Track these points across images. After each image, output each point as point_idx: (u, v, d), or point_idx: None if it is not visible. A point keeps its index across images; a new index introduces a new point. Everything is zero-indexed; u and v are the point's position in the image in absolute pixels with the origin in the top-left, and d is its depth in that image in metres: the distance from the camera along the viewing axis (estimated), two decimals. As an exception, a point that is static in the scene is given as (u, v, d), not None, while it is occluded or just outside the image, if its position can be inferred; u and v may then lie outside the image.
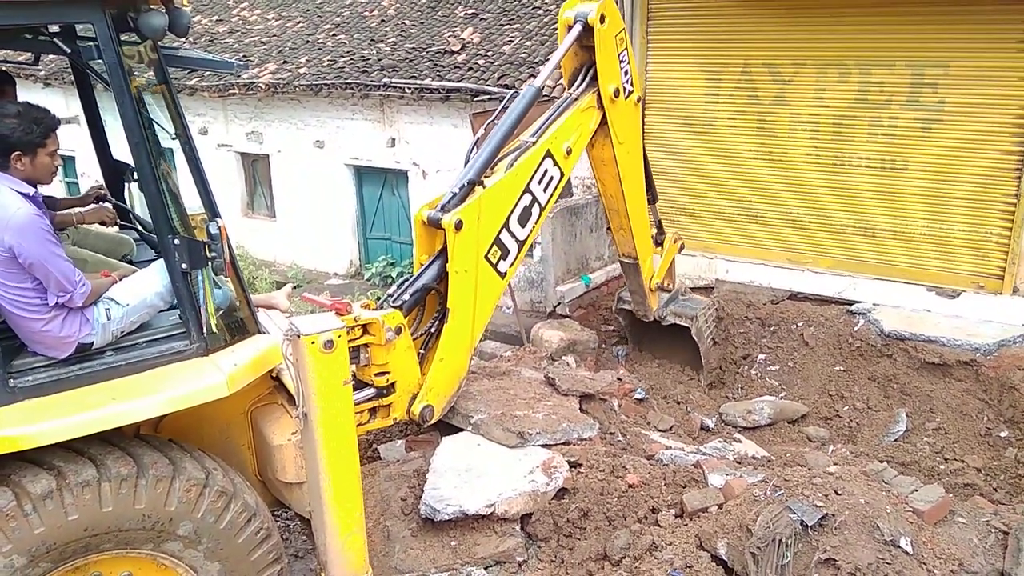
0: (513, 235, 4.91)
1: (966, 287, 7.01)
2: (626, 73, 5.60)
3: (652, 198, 6.58)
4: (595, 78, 5.40)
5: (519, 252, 4.98)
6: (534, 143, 5.02)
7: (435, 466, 4.71)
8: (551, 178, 5.12)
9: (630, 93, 5.68)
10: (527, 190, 4.96)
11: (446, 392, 4.76)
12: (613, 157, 5.71)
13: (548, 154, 5.06)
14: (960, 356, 6.43)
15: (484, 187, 4.69)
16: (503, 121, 4.98)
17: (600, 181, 6.04)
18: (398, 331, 4.27)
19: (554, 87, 8.29)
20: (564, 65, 5.43)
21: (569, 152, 5.22)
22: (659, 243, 6.81)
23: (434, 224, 4.52)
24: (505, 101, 5.16)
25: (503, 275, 4.90)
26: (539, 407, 5.24)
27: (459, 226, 4.48)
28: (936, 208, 7.04)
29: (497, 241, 4.82)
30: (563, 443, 4.98)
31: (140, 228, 4.73)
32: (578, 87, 5.42)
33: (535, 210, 5.03)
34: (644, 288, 6.62)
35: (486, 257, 4.75)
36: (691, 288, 8.49)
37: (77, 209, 4.52)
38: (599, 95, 5.42)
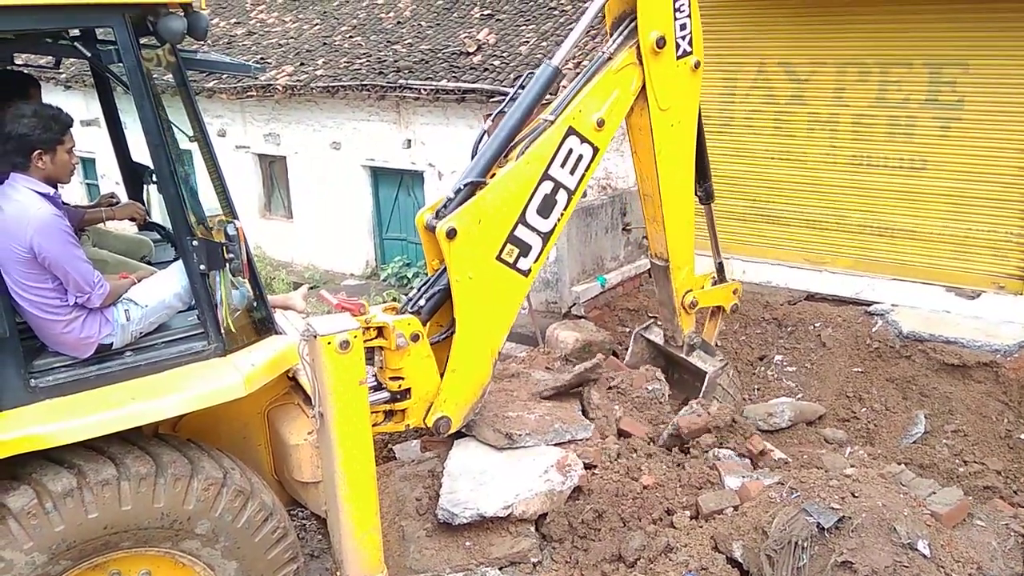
0: (534, 229, 4.43)
1: (986, 288, 6.94)
2: (683, 27, 4.74)
3: (706, 195, 5.65)
4: (637, 28, 4.60)
5: (544, 246, 4.49)
6: (552, 122, 4.40)
7: (449, 469, 4.70)
8: (579, 157, 4.48)
9: (686, 54, 4.79)
10: (546, 177, 4.40)
11: (464, 402, 4.48)
12: (650, 126, 4.86)
13: (571, 132, 4.44)
14: (980, 357, 6.36)
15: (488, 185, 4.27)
16: (514, 109, 4.42)
17: (635, 155, 5.16)
18: (414, 338, 4.08)
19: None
20: (609, 7, 4.70)
21: (601, 124, 4.49)
22: (715, 282, 5.99)
23: (431, 231, 4.22)
24: (517, 87, 4.55)
25: (526, 272, 4.45)
26: (536, 408, 5.15)
27: (452, 234, 4.11)
28: (955, 208, 6.98)
29: (512, 239, 4.37)
30: (555, 444, 4.87)
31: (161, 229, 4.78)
32: (614, 41, 4.63)
33: (561, 197, 4.47)
34: (674, 302, 5.58)
35: (499, 258, 4.36)
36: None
37: (108, 207, 4.57)
38: (639, 48, 4.60)
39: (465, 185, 4.28)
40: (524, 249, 4.43)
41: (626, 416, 5.40)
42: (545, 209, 4.45)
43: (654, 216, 5.28)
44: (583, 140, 4.48)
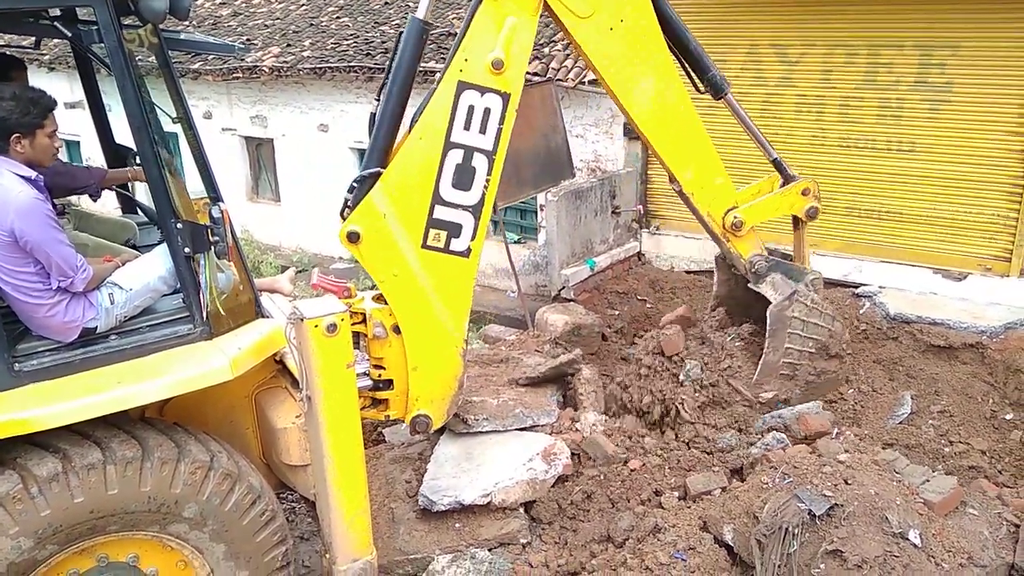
0: (457, 205, 3.90)
1: (973, 269, 6.98)
2: None
3: (715, 88, 4.61)
4: None
5: (477, 220, 3.97)
6: (437, 83, 3.85)
7: (436, 455, 4.71)
8: (486, 112, 3.83)
9: None
10: (451, 145, 3.82)
11: (439, 398, 4.21)
12: (574, 40, 4.10)
13: (464, 86, 3.79)
14: (966, 339, 6.39)
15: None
16: (391, 82, 3.83)
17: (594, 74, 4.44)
18: (396, 330, 3.95)
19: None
20: None
21: (500, 65, 3.76)
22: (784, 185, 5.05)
23: None
24: (390, 56, 3.95)
25: (465, 253, 3.99)
26: (506, 393, 5.12)
27: (353, 238, 3.82)
28: (943, 190, 7.00)
29: (433, 223, 3.89)
30: (515, 429, 4.85)
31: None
32: None
33: (479, 162, 3.88)
34: (710, 227, 4.84)
35: (426, 246, 3.92)
36: (691, 272, 8.39)
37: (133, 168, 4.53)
38: None
39: (359, 180, 3.88)
40: (453, 230, 3.94)
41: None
42: (463, 181, 3.89)
43: (642, 139, 4.57)
44: (484, 91, 3.81)
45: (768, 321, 4.88)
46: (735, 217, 4.75)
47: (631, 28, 4.09)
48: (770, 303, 4.92)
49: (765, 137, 5.10)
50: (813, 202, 5.01)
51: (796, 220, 5.14)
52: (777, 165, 5.01)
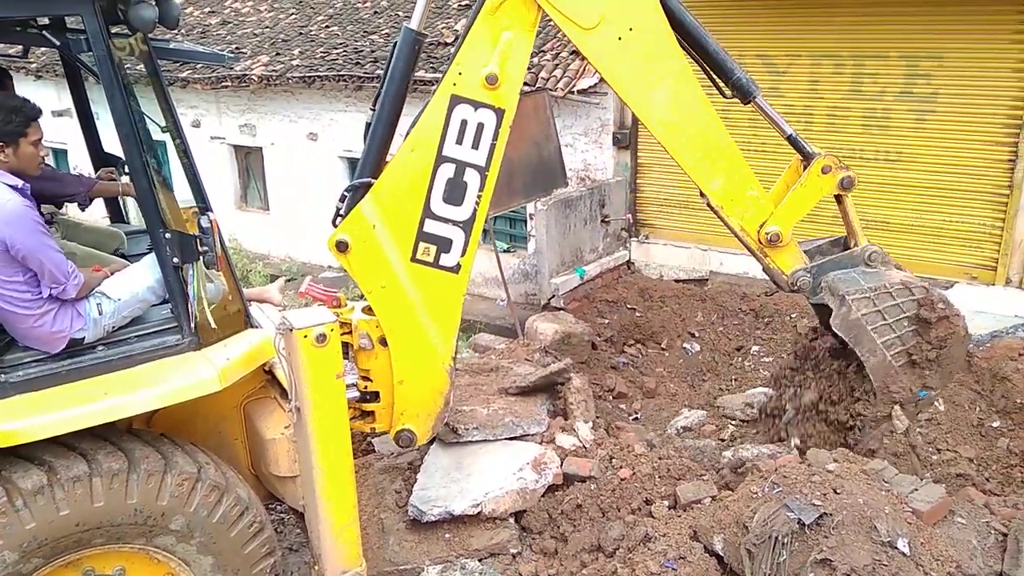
0: (447, 220, 3.82)
1: (959, 278, 7.03)
2: None
3: (742, 92, 4.24)
4: None
5: (468, 236, 3.88)
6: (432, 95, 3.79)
7: (426, 465, 4.69)
8: (479, 127, 3.74)
9: None
10: (443, 159, 3.75)
11: (425, 414, 4.07)
12: (581, 51, 3.96)
13: (457, 100, 3.71)
14: (953, 347, 6.43)
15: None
16: (384, 92, 3.79)
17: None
18: (383, 342, 3.88)
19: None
20: None
21: (494, 80, 3.67)
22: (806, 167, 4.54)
23: None
24: (385, 66, 3.88)
25: (455, 269, 3.89)
26: (496, 402, 5.11)
27: (342, 247, 3.79)
28: (929, 199, 7.06)
29: (424, 236, 3.81)
30: (505, 439, 4.86)
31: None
32: None
33: (471, 177, 3.79)
34: (747, 243, 4.47)
35: (415, 259, 3.84)
36: (680, 280, 8.40)
37: (124, 179, 4.49)
38: None
39: (350, 189, 3.87)
40: (443, 244, 3.86)
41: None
42: (454, 196, 3.80)
43: (665, 150, 4.25)
44: (477, 105, 3.72)
45: (843, 335, 4.45)
46: (771, 229, 4.36)
47: (641, 36, 3.85)
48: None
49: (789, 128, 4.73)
50: (840, 174, 4.46)
51: (836, 197, 4.65)
52: (792, 142, 4.54)
